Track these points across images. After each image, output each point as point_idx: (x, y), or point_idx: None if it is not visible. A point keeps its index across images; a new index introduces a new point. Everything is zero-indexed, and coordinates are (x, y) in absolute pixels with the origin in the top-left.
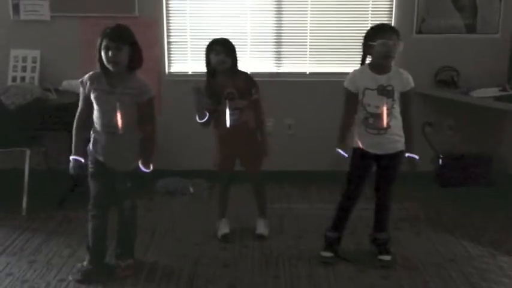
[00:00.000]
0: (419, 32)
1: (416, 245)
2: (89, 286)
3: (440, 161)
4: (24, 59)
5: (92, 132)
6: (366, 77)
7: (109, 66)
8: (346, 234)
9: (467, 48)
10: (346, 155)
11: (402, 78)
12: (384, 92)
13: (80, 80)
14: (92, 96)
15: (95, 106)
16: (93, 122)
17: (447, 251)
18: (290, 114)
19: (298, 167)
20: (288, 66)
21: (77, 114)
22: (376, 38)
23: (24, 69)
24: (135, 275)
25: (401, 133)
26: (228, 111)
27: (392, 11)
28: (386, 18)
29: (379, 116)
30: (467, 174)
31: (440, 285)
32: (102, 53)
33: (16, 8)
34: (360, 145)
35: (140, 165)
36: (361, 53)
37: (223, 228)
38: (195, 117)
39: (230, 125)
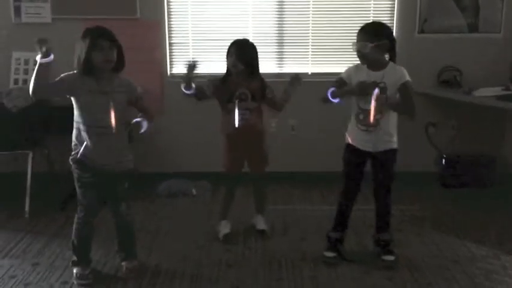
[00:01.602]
0: (422, 31)
1: (419, 246)
2: None
3: (444, 161)
4: (26, 62)
5: (75, 139)
6: (361, 72)
7: (102, 66)
8: (349, 234)
9: (469, 47)
10: (335, 101)
11: (396, 74)
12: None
13: (62, 75)
14: (77, 95)
15: (81, 107)
16: (76, 128)
17: (450, 252)
18: (293, 115)
19: (301, 167)
20: (290, 67)
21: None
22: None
23: (26, 71)
24: (138, 277)
25: (394, 132)
26: (237, 112)
27: (394, 10)
28: (388, 18)
29: (368, 112)
30: (470, 174)
31: (444, 286)
32: (93, 53)
33: (18, 10)
34: (351, 141)
35: (141, 120)
36: None
37: (224, 229)
38: (181, 87)
39: (238, 125)
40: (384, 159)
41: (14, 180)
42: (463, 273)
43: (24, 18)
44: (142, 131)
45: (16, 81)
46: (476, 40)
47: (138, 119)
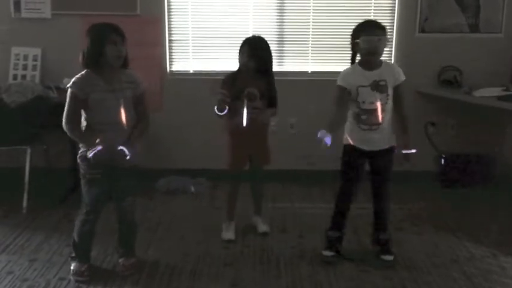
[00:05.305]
0: (422, 31)
1: (418, 245)
2: (90, 285)
3: (443, 160)
4: (25, 57)
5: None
6: (358, 74)
7: (113, 61)
8: (348, 233)
9: (470, 47)
10: (328, 143)
11: (394, 72)
12: (378, 87)
13: (70, 85)
14: (91, 98)
15: (93, 107)
16: (86, 126)
17: (449, 252)
18: (292, 113)
19: (300, 166)
20: (290, 65)
21: (69, 117)
22: (361, 35)
23: (25, 67)
24: (136, 274)
25: (392, 129)
26: (245, 111)
27: (395, 9)
28: (389, 17)
29: (372, 112)
30: (469, 174)
31: (443, 286)
32: (107, 48)
33: (17, 5)
34: (351, 142)
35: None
36: (351, 52)
37: (229, 234)
38: (214, 110)
39: (246, 125)
40: (387, 158)
41: (12, 175)
42: (461, 273)
43: (23, 13)
44: (127, 158)
45: (15, 77)
46: (477, 40)
47: (121, 147)
